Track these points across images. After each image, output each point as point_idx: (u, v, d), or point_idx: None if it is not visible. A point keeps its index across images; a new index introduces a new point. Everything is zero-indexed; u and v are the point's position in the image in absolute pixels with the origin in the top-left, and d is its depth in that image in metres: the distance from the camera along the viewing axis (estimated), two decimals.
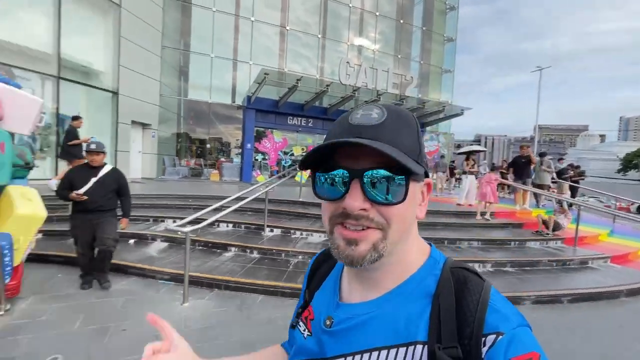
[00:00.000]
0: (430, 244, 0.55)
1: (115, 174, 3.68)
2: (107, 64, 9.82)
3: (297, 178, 11.99)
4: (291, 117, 13.61)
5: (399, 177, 0.44)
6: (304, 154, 14.39)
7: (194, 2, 13.13)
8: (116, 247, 3.67)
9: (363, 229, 0.46)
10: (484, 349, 0.42)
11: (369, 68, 11.96)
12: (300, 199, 7.63)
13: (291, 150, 14.37)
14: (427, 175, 0.50)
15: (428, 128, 16.18)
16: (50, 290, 3.53)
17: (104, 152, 3.66)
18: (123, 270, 4.05)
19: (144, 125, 11.60)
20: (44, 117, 4.02)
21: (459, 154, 9.26)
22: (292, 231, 5.65)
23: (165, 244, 5.00)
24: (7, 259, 2.84)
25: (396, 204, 0.45)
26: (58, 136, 8.08)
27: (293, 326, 0.61)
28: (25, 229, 3.00)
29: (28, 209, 2.97)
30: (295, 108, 13.25)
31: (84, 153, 4.86)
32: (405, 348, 0.45)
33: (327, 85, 11.30)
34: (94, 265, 3.61)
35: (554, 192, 9.28)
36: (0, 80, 3.19)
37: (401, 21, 16.79)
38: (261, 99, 12.38)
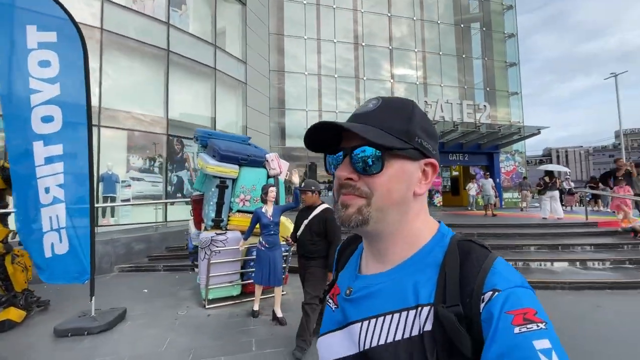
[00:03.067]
0: (439, 222, 0.61)
1: (324, 214, 3.22)
2: (238, 126, 12.80)
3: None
4: None
5: (376, 151, 0.53)
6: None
7: (287, 69, 16.23)
8: (315, 308, 3.02)
9: (350, 195, 0.55)
10: (482, 305, 0.46)
11: (445, 103, 13.49)
12: None
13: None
14: (426, 156, 0.57)
15: (503, 149, 16.78)
16: (294, 285, 5.43)
17: (312, 191, 3.32)
18: None
19: None
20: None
21: (547, 172, 10.06)
22: None
23: None
24: (289, 259, 4.79)
25: (375, 174, 0.54)
26: None
27: (321, 300, 1.06)
28: None
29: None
30: None
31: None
32: (414, 310, 0.51)
33: None
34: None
35: None
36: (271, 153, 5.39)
37: (463, 56, 18.27)
38: None
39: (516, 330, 0.42)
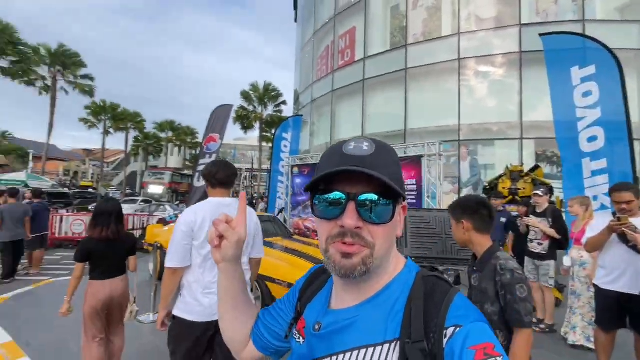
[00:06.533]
0: (407, 257, 0.62)
1: None
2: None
3: None
4: None
5: (388, 200, 0.53)
6: None
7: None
8: None
9: (355, 245, 0.52)
10: (445, 340, 0.48)
11: None
12: None
13: None
14: (404, 199, 0.56)
15: None
16: None
17: None
18: None
19: None
20: None
21: None
22: None
23: None
24: None
25: (384, 224, 0.53)
26: None
27: (287, 336, 0.68)
28: None
29: None
30: None
31: None
32: (381, 346, 0.52)
33: None
34: None
35: None
36: None
37: None
38: None
39: None
